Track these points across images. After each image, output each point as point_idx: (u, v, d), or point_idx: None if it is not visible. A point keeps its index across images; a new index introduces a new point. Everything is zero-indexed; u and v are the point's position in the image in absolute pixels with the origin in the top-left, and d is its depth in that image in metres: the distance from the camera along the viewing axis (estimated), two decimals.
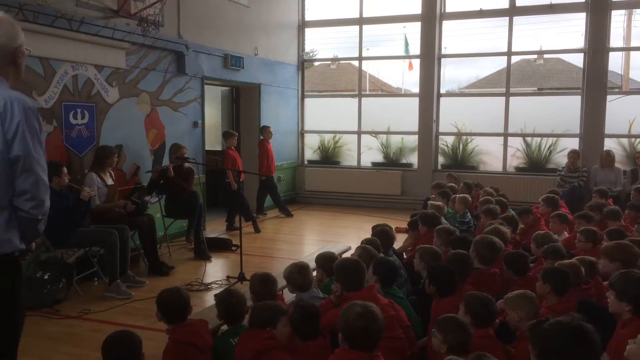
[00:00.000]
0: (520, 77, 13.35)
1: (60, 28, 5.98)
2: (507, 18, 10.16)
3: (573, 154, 9.26)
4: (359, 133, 11.41)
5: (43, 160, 2.30)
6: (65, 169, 5.47)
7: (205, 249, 6.99)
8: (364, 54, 11.48)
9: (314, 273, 4.05)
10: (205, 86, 8.69)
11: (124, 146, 6.99)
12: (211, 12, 8.71)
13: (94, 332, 4.50)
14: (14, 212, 2.27)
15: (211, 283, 5.84)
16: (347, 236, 8.15)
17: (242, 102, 10.35)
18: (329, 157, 11.71)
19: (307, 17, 11.63)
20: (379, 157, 11.39)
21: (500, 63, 11.10)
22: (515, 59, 10.76)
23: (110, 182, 6.18)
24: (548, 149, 10.20)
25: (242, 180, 8.66)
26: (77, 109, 6.31)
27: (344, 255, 5.30)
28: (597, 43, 9.51)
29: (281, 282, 3.91)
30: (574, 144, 9.84)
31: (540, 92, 12.68)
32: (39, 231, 2.38)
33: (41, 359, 4.05)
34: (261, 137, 9.61)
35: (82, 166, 6.33)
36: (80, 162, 6.35)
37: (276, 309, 3.06)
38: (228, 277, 5.97)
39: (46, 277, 5.16)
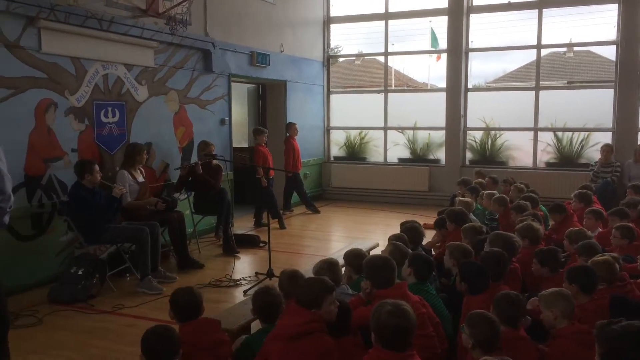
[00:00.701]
0: (550, 70, 13.06)
1: (90, 28, 6.07)
2: (537, 10, 9.99)
3: (606, 149, 9.06)
4: (385, 129, 11.35)
5: (2, 154, 2.35)
6: (97, 167, 5.55)
7: (233, 245, 7.05)
8: (389, 49, 11.41)
9: (343, 269, 4.04)
10: (232, 83, 8.74)
11: (153, 144, 7.08)
12: (237, 9, 8.76)
13: (128, 327, 4.59)
14: None
15: (240, 279, 5.88)
16: (375, 232, 8.13)
17: (268, 99, 10.39)
18: (355, 153, 11.69)
19: (333, 13, 11.62)
20: (405, 153, 11.32)
21: (528, 56, 10.89)
22: (543, 52, 10.54)
23: (140, 179, 6.27)
24: (580, 143, 10.02)
25: (272, 177, 8.70)
26: (107, 108, 6.42)
27: (371, 252, 5.28)
28: (629, 34, 9.29)
29: None
30: (606, 138, 9.63)
31: (572, 85, 12.40)
32: (5, 222, 2.44)
33: (76, 353, 4.14)
34: (287, 134, 9.63)
35: (114, 164, 6.43)
36: (112, 160, 6.45)
37: (322, 286, 3.00)
38: (257, 273, 6.01)
39: (80, 272, 5.27)
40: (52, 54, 5.71)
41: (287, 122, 9.88)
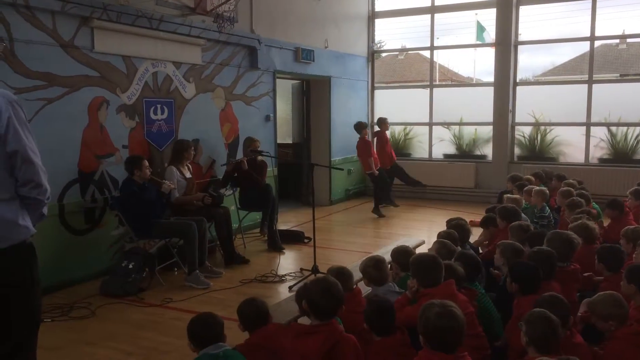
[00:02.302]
0: (601, 62, 12.59)
1: (141, 27, 6.20)
2: (590, 1, 9.62)
3: None
4: (430, 124, 11.19)
5: (35, 146, 2.39)
6: (146, 162, 5.68)
7: (278, 241, 7.09)
8: (434, 44, 11.23)
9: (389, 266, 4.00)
10: (277, 80, 8.79)
11: (200, 140, 7.19)
12: (282, 6, 8.79)
13: (176, 320, 4.66)
14: (21, 200, 2.39)
15: (285, 275, 5.92)
16: (420, 229, 8.04)
17: (312, 94, 10.38)
18: (399, 149, 11.53)
19: (377, 8, 11.52)
20: (451, 149, 11.13)
21: (578, 49, 10.51)
22: (595, 44, 10.15)
23: (188, 175, 6.38)
24: (635, 138, 9.62)
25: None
26: (157, 105, 6.55)
27: (417, 250, 5.21)
28: None
29: (356, 275, 3.89)
30: None
31: (626, 78, 11.94)
32: (44, 214, 2.49)
33: (127, 344, 4.24)
34: (377, 129, 9.90)
35: (162, 160, 6.57)
36: (161, 156, 6.59)
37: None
38: (301, 269, 6.03)
39: (130, 266, 5.40)
40: (104, 53, 5.86)
41: (378, 117, 10.02)
